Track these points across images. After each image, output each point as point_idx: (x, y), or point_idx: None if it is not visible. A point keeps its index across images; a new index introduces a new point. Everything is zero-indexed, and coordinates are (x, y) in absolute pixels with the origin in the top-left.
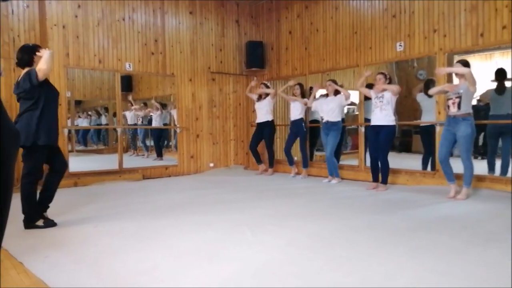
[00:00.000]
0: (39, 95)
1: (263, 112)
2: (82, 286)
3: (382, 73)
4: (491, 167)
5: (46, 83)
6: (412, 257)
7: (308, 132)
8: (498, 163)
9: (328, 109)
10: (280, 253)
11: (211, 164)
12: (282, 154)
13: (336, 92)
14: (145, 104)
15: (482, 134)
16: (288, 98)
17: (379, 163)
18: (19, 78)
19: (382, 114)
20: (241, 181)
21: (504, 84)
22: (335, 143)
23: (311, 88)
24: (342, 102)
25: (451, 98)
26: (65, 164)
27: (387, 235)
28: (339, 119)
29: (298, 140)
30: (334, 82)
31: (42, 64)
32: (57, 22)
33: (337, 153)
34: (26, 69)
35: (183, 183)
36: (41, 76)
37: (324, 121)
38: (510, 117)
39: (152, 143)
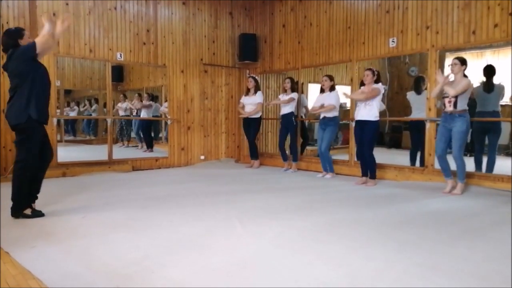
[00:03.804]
0: (29, 73)
1: (251, 107)
2: (70, 276)
3: (370, 69)
4: (478, 166)
5: (36, 62)
6: (401, 251)
7: (298, 126)
8: (485, 161)
9: (325, 105)
10: (270, 246)
11: (202, 157)
12: (273, 148)
13: (332, 88)
14: (139, 95)
15: (470, 131)
16: (279, 102)
17: (366, 158)
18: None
19: (366, 110)
20: (231, 174)
21: (492, 81)
22: (332, 138)
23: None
24: (337, 97)
25: (447, 97)
26: (51, 153)
27: (376, 229)
28: (336, 114)
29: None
30: (330, 78)
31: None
32: (47, 9)
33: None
34: None
35: (173, 175)
36: (39, 47)
37: (321, 116)
38: (496, 114)
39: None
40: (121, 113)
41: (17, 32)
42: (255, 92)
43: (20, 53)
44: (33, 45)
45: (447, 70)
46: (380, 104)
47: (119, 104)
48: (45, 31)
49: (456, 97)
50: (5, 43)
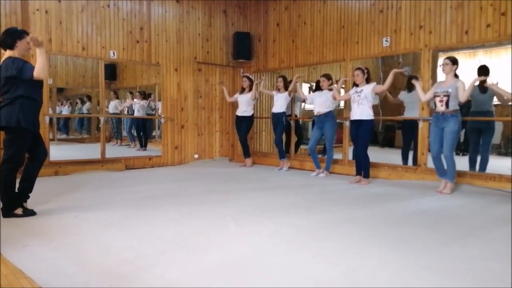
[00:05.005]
0: (23, 81)
1: (244, 105)
2: (62, 275)
3: (359, 69)
4: (473, 165)
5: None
6: (395, 250)
7: (293, 125)
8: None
9: (320, 101)
10: (265, 244)
11: (196, 156)
12: (267, 146)
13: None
14: (131, 93)
15: (464, 130)
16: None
17: (360, 157)
18: (1, 65)
19: (360, 109)
20: (225, 173)
21: (486, 81)
22: (333, 134)
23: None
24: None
25: (439, 96)
26: (45, 153)
27: (371, 228)
28: (331, 109)
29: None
30: (327, 77)
31: (41, 70)
32: (40, 6)
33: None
34: (7, 53)
35: (167, 174)
36: (36, 77)
37: (316, 114)
38: (489, 113)
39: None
40: (110, 110)
41: (17, 33)
42: (250, 90)
43: (18, 71)
44: (30, 72)
45: (439, 70)
46: (374, 98)
47: (110, 103)
48: (41, 61)
49: (448, 96)
50: (3, 39)
